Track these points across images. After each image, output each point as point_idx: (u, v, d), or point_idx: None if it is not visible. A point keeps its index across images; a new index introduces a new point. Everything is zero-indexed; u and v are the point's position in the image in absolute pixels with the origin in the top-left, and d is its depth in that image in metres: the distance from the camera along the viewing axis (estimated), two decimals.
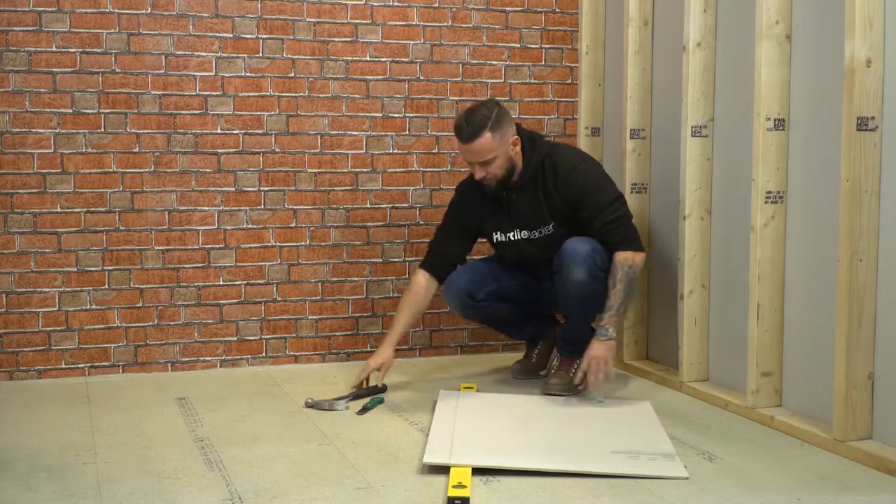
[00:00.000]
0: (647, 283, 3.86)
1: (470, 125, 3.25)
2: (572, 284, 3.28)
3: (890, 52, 2.67)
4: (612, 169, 4.09)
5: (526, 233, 3.42)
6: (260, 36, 3.86)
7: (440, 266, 3.51)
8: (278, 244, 3.94)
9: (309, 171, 3.94)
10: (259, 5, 3.85)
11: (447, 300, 3.56)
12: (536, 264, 3.51)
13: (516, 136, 3.34)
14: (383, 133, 4.02)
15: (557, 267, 3.32)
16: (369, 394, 3.35)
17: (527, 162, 3.35)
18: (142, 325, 3.81)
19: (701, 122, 3.45)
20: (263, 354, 3.95)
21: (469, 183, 3.49)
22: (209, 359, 3.89)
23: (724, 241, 3.42)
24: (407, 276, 4.08)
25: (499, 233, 3.47)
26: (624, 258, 3.26)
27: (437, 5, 4.04)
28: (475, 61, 4.11)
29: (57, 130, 3.67)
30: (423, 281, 3.49)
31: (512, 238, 3.45)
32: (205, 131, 3.82)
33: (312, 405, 3.25)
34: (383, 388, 3.41)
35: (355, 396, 3.32)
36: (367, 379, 3.40)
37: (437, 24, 4.05)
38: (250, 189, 3.89)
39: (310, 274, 3.98)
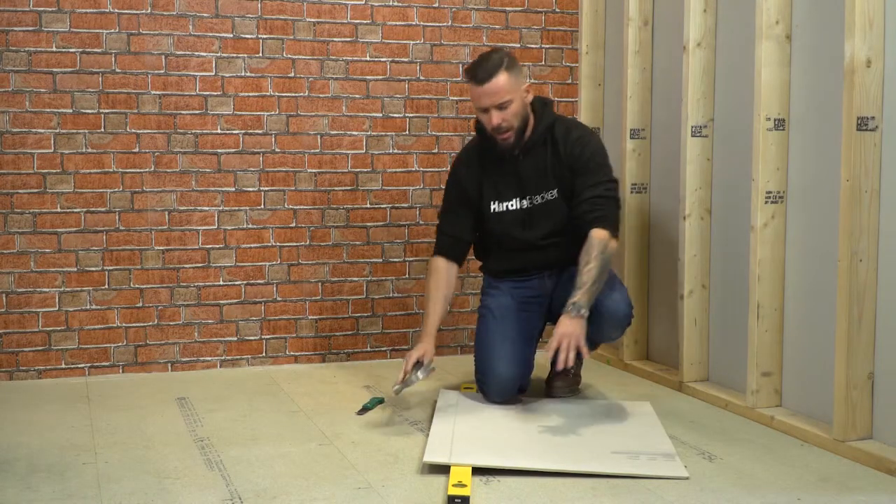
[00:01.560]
0: (647, 283, 3.86)
1: (485, 66, 3.11)
2: (608, 335, 3.24)
3: (890, 52, 2.67)
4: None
5: (527, 201, 3.25)
6: (260, 36, 3.86)
7: (454, 247, 3.34)
8: (278, 244, 3.94)
9: (309, 171, 3.94)
10: (259, 5, 3.85)
11: (491, 398, 3.25)
12: (525, 259, 3.30)
13: (529, 85, 3.22)
14: (383, 133, 4.02)
15: (597, 320, 3.10)
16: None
17: (538, 121, 3.23)
18: (142, 325, 3.81)
19: (701, 122, 3.45)
20: (263, 354, 3.95)
21: (466, 156, 3.36)
22: (209, 359, 3.89)
23: (724, 241, 3.42)
24: (407, 275, 4.08)
25: (496, 202, 3.27)
26: (600, 237, 3.08)
27: (437, 5, 4.04)
28: None
29: (57, 130, 3.68)
30: (442, 265, 3.32)
31: (509, 208, 3.26)
32: (205, 131, 3.82)
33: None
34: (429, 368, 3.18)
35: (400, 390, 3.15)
36: (409, 372, 3.15)
37: (437, 24, 4.05)
38: (250, 189, 3.89)
39: (310, 274, 3.98)
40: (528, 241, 3.28)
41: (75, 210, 3.71)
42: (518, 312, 3.32)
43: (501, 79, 3.10)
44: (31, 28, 3.62)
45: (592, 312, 3.00)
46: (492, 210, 3.29)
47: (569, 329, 2.94)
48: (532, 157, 3.24)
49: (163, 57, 3.76)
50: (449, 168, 3.54)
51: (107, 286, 3.77)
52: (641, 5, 3.78)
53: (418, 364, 3.13)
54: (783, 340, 3.13)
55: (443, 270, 3.32)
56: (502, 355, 3.21)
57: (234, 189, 3.87)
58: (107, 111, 3.72)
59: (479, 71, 3.12)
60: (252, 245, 3.91)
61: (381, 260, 4.06)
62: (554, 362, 3.04)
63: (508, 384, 3.20)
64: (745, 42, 3.23)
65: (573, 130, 3.25)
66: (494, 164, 3.28)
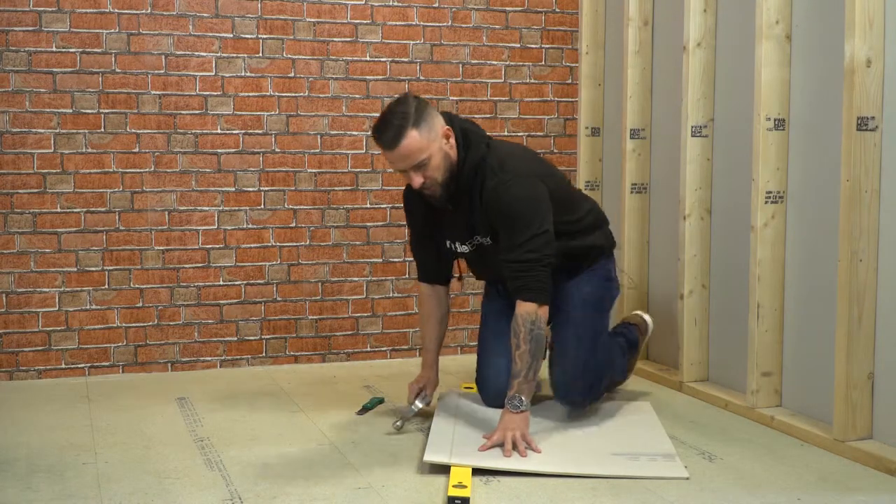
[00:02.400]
0: (647, 283, 3.86)
1: (389, 126, 2.74)
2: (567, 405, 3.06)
3: (890, 52, 2.67)
4: (612, 169, 4.11)
5: (467, 246, 3.00)
6: (260, 36, 3.86)
7: (434, 273, 3.15)
8: (278, 244, 3.94)
9: (309, 171, 3.94)
10: (259, 5, 3.85)
11: (487, 402, 3.18)
12: (501, 273, 2.95)
13: (447, 127, 2.83)
14: None
15: (555, 383, 3.04)
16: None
17: (462, 165, 2.85)
18: (142, 325, 3.81)
19: (701, 122, 3.44)
20: (263, 354, 3.95)
21: (408, 191, 3.07)
22: (209, 359, 3.89)
23: (724, 241, 3.42)
24: (407, 276, 4.08)
25: (446, 240, 3.06)
26: (526, 312, 2.77)
27: (437, 5, 4.04)
28: (475, 61, 4.11)
29: (57, 130, 3.68)
30: (426, 290, 3.16)
31: (457, 248, 3.04)
32: (205, 131, 3.82)
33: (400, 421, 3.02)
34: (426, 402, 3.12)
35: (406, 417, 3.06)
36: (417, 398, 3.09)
37: (437, 24, 4.05)
38: (250, 189, 3.89)
39: (310, 274, 3.98)
40: (492, 271, 3.09)
41: (75, 210, 3.71)
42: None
43: (411, 139, 2.73)
44: (31, 28, 3.62)
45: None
46: (446, 245, 3.08)
47: (511, 424, 2.73)
48: (462, 207, 2.92)
49: (163, 57, 3.76)
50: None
51: (107, 286, 3.77)
52: (641, 5, 3.78)
53: (420, 395, 3.08)
54: (783, 340, 3.13)
55: (429, 296, 3.16)
56: (494, 365, 3.15)
57: (234, 189, 3.87)
58: (107, 111, 3.72)
59: (383, 132, 2.76)
60: (252, 245, 3.91)
61: (381, 260, 4.06)
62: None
63: (500, 390, 3.08)
64: (745, 42, 3.23)
65: (489, 178, 2.83)
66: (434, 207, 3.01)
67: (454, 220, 2.96)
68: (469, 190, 2.87)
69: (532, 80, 4.18)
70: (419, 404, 3.05)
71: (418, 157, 2.76)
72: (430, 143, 2.77)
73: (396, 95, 2.90)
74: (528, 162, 2.98)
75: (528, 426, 2.76)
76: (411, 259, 4.06)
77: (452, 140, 2.84)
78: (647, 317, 3.48)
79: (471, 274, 3.25)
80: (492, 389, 3.14)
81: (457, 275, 3.23)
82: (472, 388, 3.43)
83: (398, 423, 2.99)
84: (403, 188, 3.13)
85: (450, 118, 2.89)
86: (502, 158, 2.87)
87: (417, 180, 2.80)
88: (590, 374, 3.04)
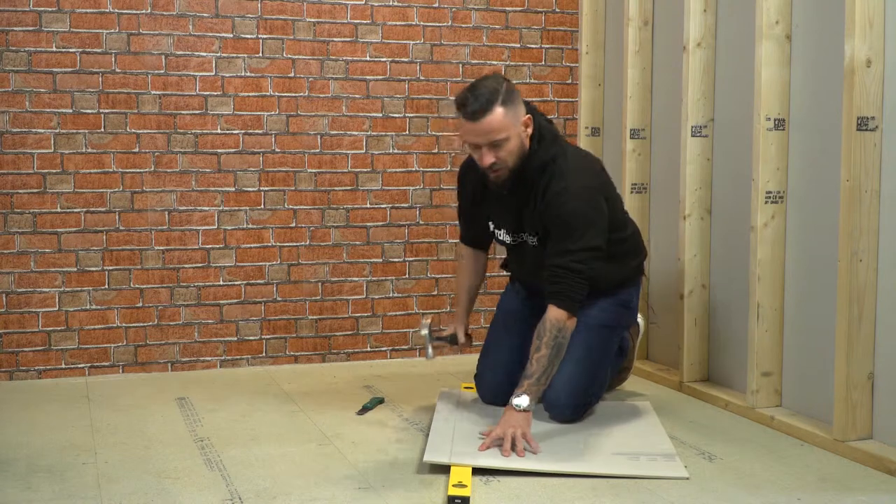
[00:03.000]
0: (647, 283, 3.86)
1: (478, 99, 2.71)
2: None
3: (890, 52, 2.67)
4: (612, 169, 4.09)
5: (511, 237, 3.02)
6: (260, 36, 3.86)
7: (478, 241, 3.22)
8: (278, 244, 3.94)
9: (309, 171, 3.94)
10: (259, 5, 3.85)
11: (483, 400, 3.23)
12: (536, 276, 2.98)
13: (528, 115, 2.82)
14: (383, 133, 4.02)
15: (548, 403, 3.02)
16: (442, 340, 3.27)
17: (532, 157, 2.84)
18: (142, 325, 3.81)
19: (701, 122, 3.45)
20: (263, 354, 3.95)
21: (467, 164, 3.08)
22: (209, 359, 3.89)
23: (724, 241, 3.42)
24: (407, 275, 4.08)
25: (492, 224, 3.08)
26: (556, 318, 2.77)
27: (437, 5, 4.04)
28: (475, 61, 4.11)
29: (57, 130, 3.68)
30: (468, 252, 3.24)
31: (501, 236, 3.07)
32: (205, 131, 3.82)
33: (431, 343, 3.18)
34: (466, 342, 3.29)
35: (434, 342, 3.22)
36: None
37: (437, 24, 4.05)
38: (250, 189, 3.89)
39: (310, 274, 3.98)
40: (527, 269, 3.09)
41: (75, 210, 3.71)
42: (530, 318, 2.97)
43: (496, 114, 2.72)
44: (31, 28, 3.62)
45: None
46: (491, 229, 3.11)
47: (513, 421, 2.71)
48: (517, 197, 2.90)
49: (163, 57, 3.76)
50: (451, 168, 3.45)
51: (107, 286, 3.77)
52: (641, 5, 3.78)
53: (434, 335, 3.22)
54: (783, 340, 3.13)
55: (469, 256, 3.27)
56: (493, 361, 3.18)
57: (234, 189, 3.87)
58: (107, 111, 3.72)
59: (470, 103, 2.73)
60: (252, 245, 3.91)
61: (381, 260, 4.06)
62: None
63: (494, 389, 3.14)
64: (745, 42, 3.23)
65: (559, 181, 2.82)
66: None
67: (506, 208, 2.96)
68: (531, 185, 2.85)
69: (532, 80, 4.18)
70: (423, 333, 3.13)
71: (498, 135, 2.74)
72: (513, 125, 2.76)
73: (487, 75, 2.90)
74: (596, 175, 2.97)
75: (530, 426, 2.75)
76: (411, 259, 4.07)
77: (530, 130, 2.83)
78: (639, 317, 3.47)
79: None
80: (488, 385, 3.17)
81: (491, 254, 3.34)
82: (472, 387, 3.43)
83: (430, 354, 3.14)
84: (463, 161, 3.13)
85: (531, 109, 2.88)
86: (573, 165, 2.86)
87: (488, 158, 2.77)
88: (582, 397, 3.04)
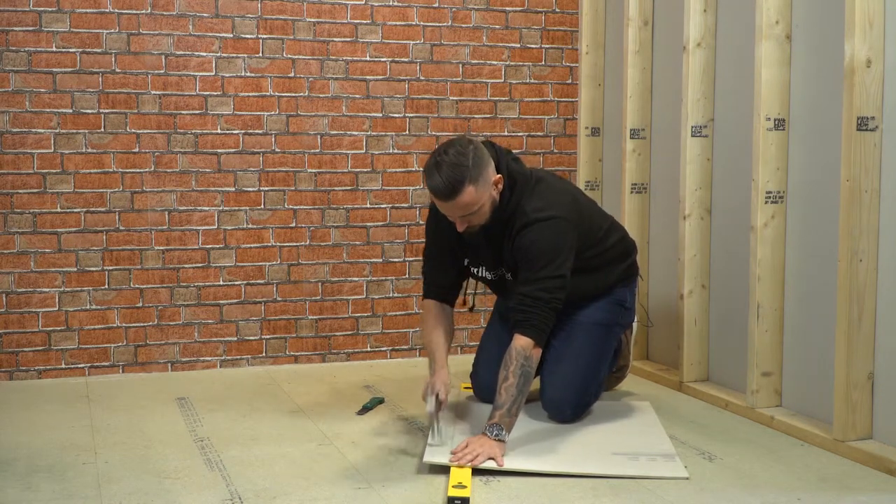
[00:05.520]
0: (647, 283, 3.86)
1: (445, 177, 2.69)
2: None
3: (890, 52, 2.67)
4: (612, 169, 4.11)
5: (491, 273, 3.01)
6: (260, 36, 3.86)
7: (443, 294, 3.08)
8: (278, 244, 3.94)
9: (309, 171, 3.94)
10: (259, 5, 3.85)
11: (478, 398, 3.26)
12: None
13: (498, 175, 2.82)
14: (383, 133, 4.02)
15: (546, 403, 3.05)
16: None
17: (505, 202, 2.85)
18: (142, 325, 3.81)
19: (701, 122, 3.45)
20: (263, 354, 3.95)
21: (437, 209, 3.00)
22: (209, 359, 3.89)
23: (724, 241, 3.42)
24: (407, 276, 4.08)
25: (471, 263, 3.06)
26: (522, 346, 2.75)
27: (437, 5, 4.04)
28: (475, 61, 4.11)
29: (57, 130, 3.68)
30: (435, 306, 3.06)
31: (480, 273, 3.05)
32: (205, 131, 3.82)
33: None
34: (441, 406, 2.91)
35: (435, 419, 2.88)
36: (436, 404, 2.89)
37: (437, 24, 4.05)
38: (250, 189, 3.89)
39: (310, 274, 3.98)
40: (508, 300, 3.03)
41: (75, 210, 3.71)
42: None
43: (467, 193, 2.71)
44: (31, 28, 3.62)
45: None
46: (468, 266, 3.08)
47: (486, 446, 2.63)
48: (491, 237, 2.91)
49: (163, 57, 3.76)
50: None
51: (107, 286, 3.77)
52: (641, 5, 3.78)
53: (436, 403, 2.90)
54: (783, 340, 3.13)
55: (437, 312, 3.05)
56: (486, 359, 3.18)
57: (234, 189, 3.87)
58: (107, 111, 3.72)
59: (439, 185, 2.70)
60: (252, 245, 3.91)
61: (381, 260, 4.06)
62: None
63: (489, 386, 3.08)
64: (745, 42, 3.23)
65: (519, 218, 2.84)
66: None
67: (485, 248, 2.96)
68: (506, 222, 2.87)
69: (532, 80, 4.18)
70: (432, 403, 2.82)
71: (470, 209, 2.76)
72: (484, 193, 2.77)
73: (452, 137, 2.85)
74: (561, 204, 2.91)
75: (503, 453, 2.65)
76: (411, 259, 4.07)
77: (501, 185, 2.84)
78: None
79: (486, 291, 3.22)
80: (483, 382, 3.18)
81: (468, 307, 3.21)
82: (470, 388, 3.43)
83: (438, 427, 2.81)
84: (429, 205, 3.06)
85: (497, 157, 2.86)
86: (537, 199, 2.87)
87: (462, 225, 2.81)
88: (582, 397, 3.06)
